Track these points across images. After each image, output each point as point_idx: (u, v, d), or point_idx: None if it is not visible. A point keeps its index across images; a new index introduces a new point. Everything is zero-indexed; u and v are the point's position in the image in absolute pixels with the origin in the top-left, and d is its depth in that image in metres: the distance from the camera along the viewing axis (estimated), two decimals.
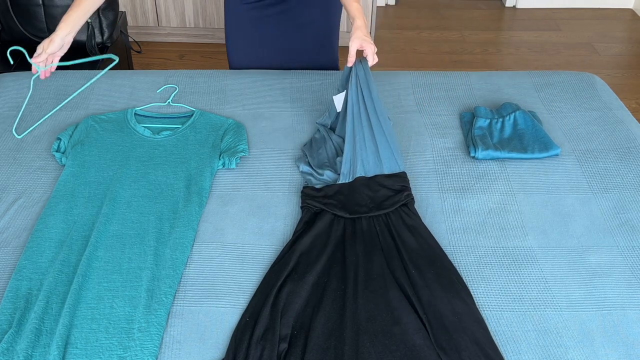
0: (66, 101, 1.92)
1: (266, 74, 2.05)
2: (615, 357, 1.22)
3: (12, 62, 1.86)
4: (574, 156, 1.73)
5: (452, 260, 1.41)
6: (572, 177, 1.65)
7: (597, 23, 3.93)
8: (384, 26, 3.92)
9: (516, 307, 1.32)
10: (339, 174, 1.59)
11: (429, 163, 1.70)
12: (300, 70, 2.06)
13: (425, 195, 1.59)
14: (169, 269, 1.37)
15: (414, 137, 1.79)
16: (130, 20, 3.43)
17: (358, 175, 1.58)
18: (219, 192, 1.60)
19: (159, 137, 1.74)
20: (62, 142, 1.71)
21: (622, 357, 1.22)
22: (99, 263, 1.38)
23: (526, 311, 1.31)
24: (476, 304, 1.32)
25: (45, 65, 1.68)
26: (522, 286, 1.36)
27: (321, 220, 1.48)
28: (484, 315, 1.30)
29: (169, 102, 1.91)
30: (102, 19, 2.48)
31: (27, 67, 2.39)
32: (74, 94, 1.95)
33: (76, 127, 1.77)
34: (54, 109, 1.89)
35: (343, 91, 1.69)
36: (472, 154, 1.71)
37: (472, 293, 1.34)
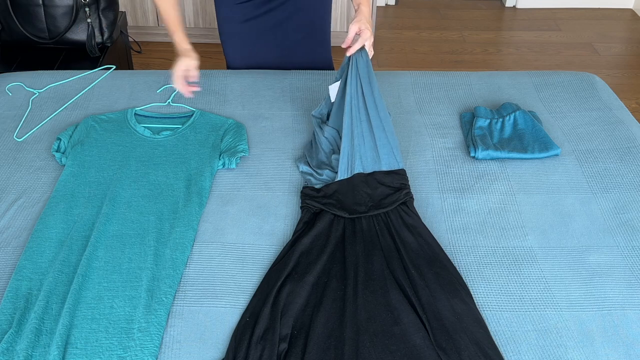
0: (65, 105, 1.92)
1: (266, 74, 2.05)
2: (615, 357, 1.22)
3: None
4: (574, 156, 1.73)
5: (452, 260, 1.41)
6: (572, 177, 1.65)
7: (597, 23, 3.93)
8: (384, 26, 3.92)
9: (516, 307, 1.32)
10: (337, 172, 1.58)
11: (429, 163, 1.70)
12: (300, 70, 2.06)
13: (425, 195, 1.59)
14: (169, 269, 1.37)
15: (414, 137, 1.79)
16: (130, 20, 3.43)
17: (356, 171, 1.57)
18: (219, 192, 1.60)
19: (159, 137, 1.74)
20: (62, 142, 1.71)
21: (622, 357, 1.22)
22: (99, 263, 1.38)
23: (526, 311, 1.31)
24: (476, 304, 1.32)
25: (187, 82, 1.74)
26: (522, 286, 1.36)
27: (321, 221, 1.48)
28: (484, 315, 1.30)
29: (169, 102, 1.91)
30: (102, 19, 2.48)
31: (27, 67, 2.39)
32: (74, 99, 1.95)
33: (76, 127, 1.77)
34: (54, 111, 1.89)
35: (339, 80, 1.66)
36: (472, 154, 1.71)
37: (472, 293, 1.34)
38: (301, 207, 1.53)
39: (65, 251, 1.40)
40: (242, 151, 1.68)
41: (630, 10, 4.09)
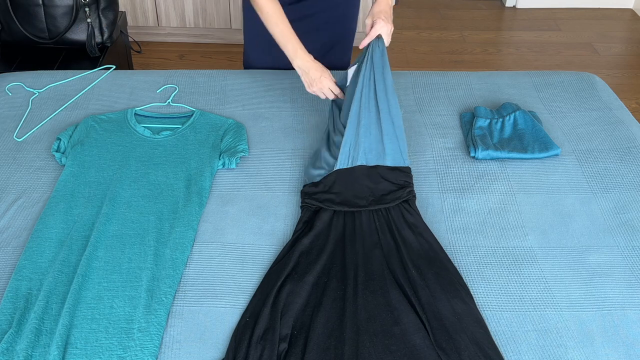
0: (65, 105, 1.92)
1: (266, 74, 2.05)
2: (615, 357, 1.22)
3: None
4: (574, 156, 1.73)
5: (452, 260, 1.41)
6: (572, 177, 1.65)
7: (597, 23, 3.92)
8: None
9: (516, 307, 1.32)
10: (337, 158, 1.55)
11: (429, 163, 1.70)
12: None
13: (425, 195, 1.59)
14: (169, 269, 1.37)
15: (414, 137, 1.79)
16: (130, 20, 3.43)
17: (359, 163, 1.55)
18: (219, 192, 1.60)
19: (159, 137, 1.74)
20: (62, 142, 1.71)
21: (622, 357, 1.22)
22: (99, 263, 1.38)
23: (526, 311, 1.31)
24: (476, 304, 1.32)
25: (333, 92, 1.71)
26: (522, 286, 1.36)
27: (320, 219, 1.47)
28: (484, 315, 1.30)
29: (169, 102, 1.91)
30: (102, 19, 2.48)
31: (27, 67, 2.39)
32: (74, 99, 1.95)
33: (76, 127, 1.77)
34: (54, 111, 1.89)
35: (355, 65, 1.62)
36: (472, 154, 1.71)
37: (472, 293, 1.34)
38: (301, 207, 1.53)
39: (65, 251, 1.40)
40: (242, 151, 1.68)
41: (630, 10, 4.09)
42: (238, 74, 2.05)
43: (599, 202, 1.58)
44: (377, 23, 1.57)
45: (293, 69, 1.97)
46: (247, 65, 2.11)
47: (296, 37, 1.69)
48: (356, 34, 2.14)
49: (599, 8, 4.11)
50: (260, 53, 2.05)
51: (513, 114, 1.80)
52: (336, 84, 1.71)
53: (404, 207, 1.50)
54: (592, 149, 1.75)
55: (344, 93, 1.70)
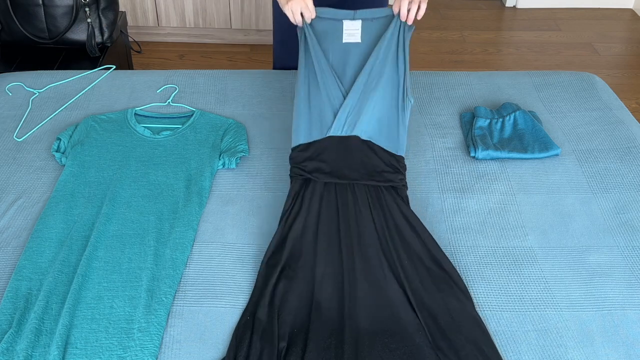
0: (65, 105, 1.92)
1: (266, 74, 2.05)
2: (615, 357, 1.22)
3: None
4: (574, 156, 1.73)
5: (452, 260, 1.41)
6: (572, 177, 1.65)
7: (597, 23, 3.92)
8: None
9: (516, 307, 1.32)
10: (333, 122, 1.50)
11: (429, 163, 1.70)
12: None
13: (425, 195, 1.59)
14: (169, 269, 1.37)
15: (414, 137, 1.79)
16: (130, 20, 3.43)
17: (355, 133, 1.51)
18: (219, 192, 1.60)
19: (159, 137, 1.74)
20: (62, 142, 1.71)
21: (622, 357, 1.22)
22: (99, 263, 1.38)
23: (526, 311, 1.31)
24: (474, 301, 1.32)
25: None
26: (522, 286, 1.36)
27: (311, 195, 1.44)
28: (484, 315, 1.30)
29: (169, 102, 1.91)
30: (102, 19, 2.48)
31: (27, 67, 2.39)
32: (74, 99, 1.95)
33: (76, 127, 1.77)
34: (54, 111, 1.89)
35: (359, 20, 1.56)
36: (472, 154, 1.71)
37: (472, 293, 1.34)
38: (290, 176, 1.49)
39: (65, 251, 1.40)
40: (242, 151, 1.68)
41: (630, 10, 4.08)
42: (238, 74, 2.05)
43: (599, 202, 1.58)
44: (403, 5, 1.53)
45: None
46: (278, 66, 2.09)
47: None
48: None
49: (599, 8, 4.11)
50: (289, 53, 2.03)
51: (513, 114, 1.80)
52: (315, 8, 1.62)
53: (397, 196, 1.47)
54: (592, 149, 1.75)
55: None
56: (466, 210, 1.55)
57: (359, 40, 1.60)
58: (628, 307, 1.32)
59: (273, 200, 1.57)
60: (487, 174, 1.66)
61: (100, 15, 2.47)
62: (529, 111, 1.86)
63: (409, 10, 1.55)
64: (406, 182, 1.53)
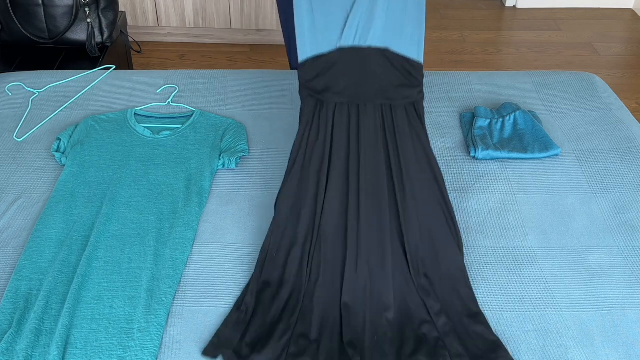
0: (65, 105, 1.92)
1: (266, 74, 2.05)
2: (615, 357, 1.22)
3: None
4: (574, 156, 1.73)
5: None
6: (572, 177, 1.65)
7: (597, 23, 3.92)
8: None
9: (516, 307, 1.32)
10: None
11: None
12: None
13: None
14: (169, 269, 1.37)
15: None
16: (130, 20, 3.42)
17: (369, 44, 1.36)
18: (219, 192, 1.60)
19: (159, 137, 1.74)
20: (61, 142, 1.71)
21: (622, 357, 1.22)
22: (99, 263, 1.38)
23: (526, 311, 1.31)
24: (464, 253, 1.38)
25: None
26: (522, 286, 1.36)
27: (324, 126, 1.38)
28: (484, 316, 1.30)
29: (169, 102, 1.91)
30: (102, 19, 2.48)
31: (27, 67, 2.39)
32: (74, 99, 1.95)
33: (76, 127, 1.77)
34: (54, 111, 1.89)
35: None
36: (472, 154, 1.71)
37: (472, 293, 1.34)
38: (300, 96, 1.42)
39: (65, 251, 1.40)
40: (242, 151, 1.68)
41: (631, 10, 4.08)
42: (238, 74, 2.05)
43: (599, 202, 1.58)
44: None
45: None
46: (295, 66, 2.06)
47: None
48: None
49: (599, 8, 4.11)
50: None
51: (513, 114, 1.80)
52: None
53: (410, 111, 1.40)
54: (592, 149, 1.75)
55: None
56: (466, 210, 1.55)
57: None
58: (628, 307, 1.32)
59: (273, 200, 1.57)
60: (487, 174, 1.66)
61: (100, 15, 2.47)
62: (529, 111, 1.86)
63: None
64: (423, 92, 1.44)
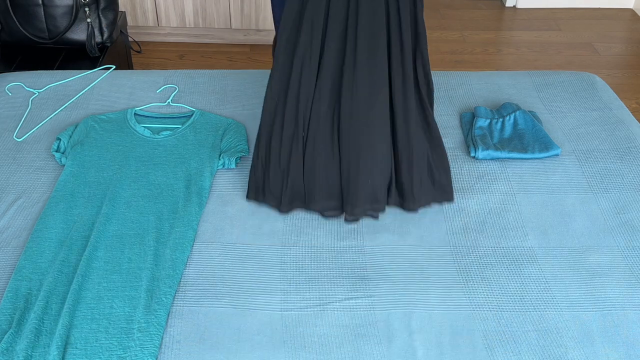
0: (65, 105, 1.92)
1: (266, 74, 2.04)
2: (616, 357, 1.22)
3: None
4: (574, 156, 1.73)
5: (452, 261, 1.41)
6: (572, 177, 1.65)
7: (597, 23, 3.92)
8: None
9: (516, 307, 1.32)
10: None
11: None
12: None
13: None
14: (168, 269, 1.37)
15: None
16: (130, 20, 3.42)
17: None
18: (219, 192, 1.60)
19: (159, 137, 1.74)
20: (61, 142, 1.71)
21: (622, 358, 1.22)
22: (99, 263, 1.38)
23: (526, 311, 1.31)
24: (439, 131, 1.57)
25: None
26: (522, 286, 1.36)
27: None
28: (484, 315, 1.30)
29: (168, 102, 1.91)
30: (102, 19, 2.48)
31: (27, 67, 2.39)
32: (74, 99, 1.95)
33: (76, 127, 1.77)
34: (54, 111, 1.89)
35: None
36: (472, 154, 1.71)
37: (472, 293, 1.34)
38: None
39: (65, 251, 1.40)
40: (242, 151, 1.68)
41: (631, 10, 4.08)
42: (238, 74, 2.05)
43: (599, 202, 1.58)
44: None
45: None
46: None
47: None
48: None
49: (599, 8, 4.11)
50: None
51: (513, 114, 1.80)
52: None
53: (412, 10, 1.50)
54: (592, 149, 1.75)
55: None
56: (466, 210, 1.55)
57: None
58: (628, 307, 1.32)
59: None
60: (487, 174, 1.66)
61: (100, 15, 2.47)
62: (529, 111, 1.86)
63: None
64: None
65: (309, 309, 1.31)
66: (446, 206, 1.56)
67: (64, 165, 1.67)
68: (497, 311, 1.31)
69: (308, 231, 1.49)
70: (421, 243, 1.46)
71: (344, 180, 1.50)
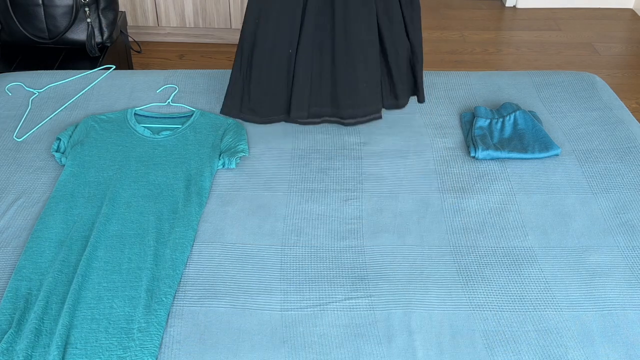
0: (65, 105, 1.92)
1: None
2: (615, 357, 1.22)
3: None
4: (574, 156, 1.73)
5: (452, 260, 1.41)
6: (572, 177, 1.65)
7: (597, 23, 3.92)
8: None
9: (516, 307, 1.32)
10: None
11: (429, 163, 1.70)
12: None
13: (425, 195, 1.59)
14: (168, 269, 1.37)
15: (414, 137, 1.79)
16: (130, 20, 3.42)
17: None
18: (219, 192, 1.60)
19: (159, 137, 1.74)
20: (61, 142, 1.71)
21: (622, 358, 1.22)
22: (99, 263, 1.38)
23: (526, 311, 1.31)
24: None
25: None
26: (522, 286, 1.36)
27: None
28: (484, 315, 1.30)
29: (168, 102, 1.91)
30: (102, 19, 2.48)
31: (27, 67, 2.39)
32: (73, 99, 1.95)
33: (76, 127, 1.77)
34: (54, 111, 1.89)
35: None
36: (472, 154, 1.71)
37: (472, 293, 1.34)
38: None
39: (65, 251, 1.40)
40: (242, 151, 1.68)
41: (631, 10, 4.08)
42: None
43: (599, 202, 1.58)
44: None
45: None
46: None
47: None
48: None
49: (599, 8, 4.11)
50: None
51: (513, 113, 1.80)
52: None
53: None
54: (592, 149, 1.75)
55: None
56: (466, 210, 1.55)
57: None
58: (628, 307, 1.32)
59: (273, 200, 1.57)
60: (487, 174, 1.66)
61: (100, 15, 2.47)
62: (529, 111, 1.86)
63: None
64: None
65: (308, 309, 1.31)
66: (446, 206, 1.56)
67: (64, 165, 1.67)
68: (497, 311, 1.31)
69: (308, 231, 1.49)
70: (421, 243, 1.46)
71: (339, 86, 1.64)
